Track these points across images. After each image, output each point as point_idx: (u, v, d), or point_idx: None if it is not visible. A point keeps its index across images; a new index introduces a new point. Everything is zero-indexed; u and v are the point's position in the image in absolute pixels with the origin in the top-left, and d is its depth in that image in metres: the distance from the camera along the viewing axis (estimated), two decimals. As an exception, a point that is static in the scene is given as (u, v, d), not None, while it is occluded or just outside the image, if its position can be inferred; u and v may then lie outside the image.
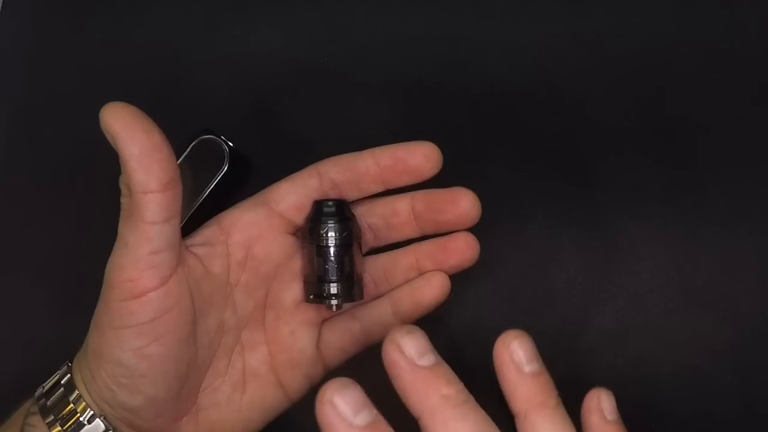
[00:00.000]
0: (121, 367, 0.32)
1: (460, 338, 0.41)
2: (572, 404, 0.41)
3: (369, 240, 0.37)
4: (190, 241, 0.35)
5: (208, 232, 0.36)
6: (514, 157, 0.43)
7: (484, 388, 0.41)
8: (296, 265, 0.36)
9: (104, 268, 0.42)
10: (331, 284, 0.34)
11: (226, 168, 0.40)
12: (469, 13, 0.44)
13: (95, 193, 0.43)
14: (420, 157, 0.35)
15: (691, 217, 0.41)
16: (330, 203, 0.35)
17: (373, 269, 0.37)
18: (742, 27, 0.43)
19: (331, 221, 0.35)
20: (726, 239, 0.41)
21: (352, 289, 0.35)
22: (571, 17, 0.44)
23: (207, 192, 0.40)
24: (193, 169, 0.40)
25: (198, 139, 0.40)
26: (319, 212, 0.35)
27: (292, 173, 0.37)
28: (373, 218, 0.37)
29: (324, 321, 0.37)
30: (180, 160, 0.39)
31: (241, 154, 0.41)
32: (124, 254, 0.31)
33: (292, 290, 0.36)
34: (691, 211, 0.41)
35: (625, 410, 0.41)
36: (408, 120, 0.43)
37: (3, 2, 0.47)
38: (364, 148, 0.37)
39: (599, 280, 0.41)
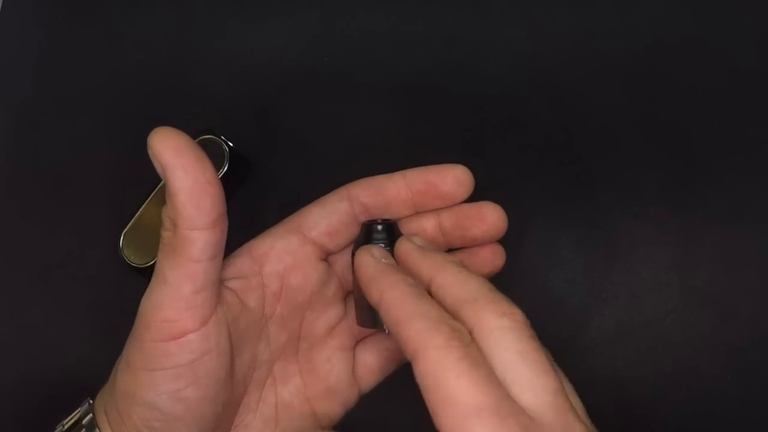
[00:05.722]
0: (155, 411, 0.29)
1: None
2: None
3: None
4: (223, 274, 0.32)
5: (240, 263, 0.33)
6: (514, 157, 0.43)
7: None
8: (329, 291, 0.35)
9: (104, 268, 0.42)
10: None
11: (226, 168, 0.40)
12: (469, 13, 0.44)
13: (95, 193, 0.44)
14: (452, 182, 0.34)
15: (691, 217, 0.41)
16: (380, 227, 0.34)
17: None
18: (742, 28, 0.43)
19: (383, 245, 0.33)
20: (725, 239, 0.41)
21: None
22: (571, 17, 0.44)
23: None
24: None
25: (198, 139, 0.40)
26: (369, 236, 0.34)
27: (290, 174, 0.37)
28: None
29: (357, 343, 0.36)
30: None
31: (240, 155, 0.41)
32: (164, 292, 0.29)
33: (326, 317, 0.35)
34: (691, 211, 0.41)
35: (626, 410, 0.41)
36: (408, 120, 0.43)
37: (3, 1, 0.47)
38: (364, 148, 0.37)
39: (599, 280, 0.41)
